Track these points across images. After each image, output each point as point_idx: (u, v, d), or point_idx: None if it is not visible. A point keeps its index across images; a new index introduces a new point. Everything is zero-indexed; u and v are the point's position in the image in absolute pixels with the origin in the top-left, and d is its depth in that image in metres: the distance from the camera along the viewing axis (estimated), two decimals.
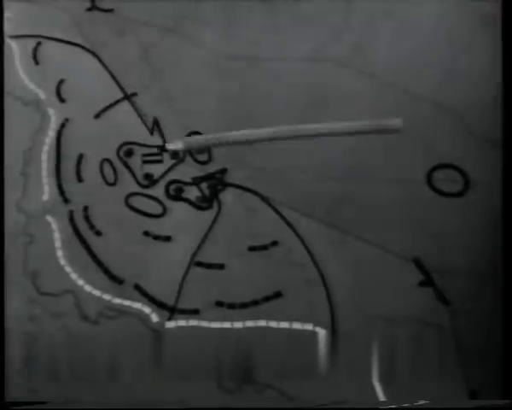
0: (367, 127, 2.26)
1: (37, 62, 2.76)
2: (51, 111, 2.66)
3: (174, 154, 2.61)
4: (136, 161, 2.60)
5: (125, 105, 2.70)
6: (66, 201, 2.50)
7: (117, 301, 2.31)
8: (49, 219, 2.46)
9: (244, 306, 2.30)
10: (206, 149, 2.52)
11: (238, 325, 2.27)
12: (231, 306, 2.30)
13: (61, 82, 2.72)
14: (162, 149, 2.50)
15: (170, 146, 2.37)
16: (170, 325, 2.29)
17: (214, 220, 2.45)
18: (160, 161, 2.60)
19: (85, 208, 2.47)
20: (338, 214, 2.44)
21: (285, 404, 2.20)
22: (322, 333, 2.26)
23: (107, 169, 2.56)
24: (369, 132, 2.28)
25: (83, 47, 2.77)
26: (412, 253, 2.36)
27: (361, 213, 2.45)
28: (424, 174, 2.49)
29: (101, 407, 2.18)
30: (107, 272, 2.36)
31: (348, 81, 2.66)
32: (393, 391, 2.19)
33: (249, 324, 2.27)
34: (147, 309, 2.30)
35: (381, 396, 2.19)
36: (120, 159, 2.59)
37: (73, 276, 2.35)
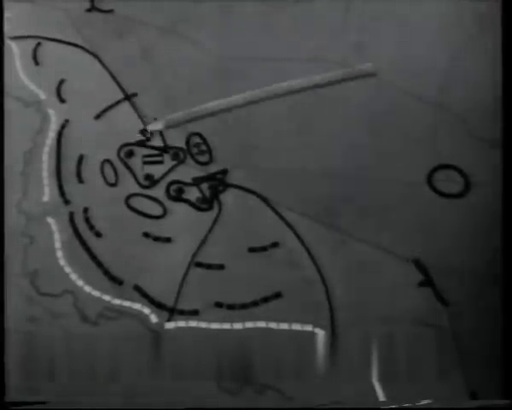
0: (341, 76, 2.29)
1: (37, 63, 2.76)
2: (51, 112, 2.66)
3: (175, 154, 2.61)
4: (136, 162, 2.60)
5: (126, 106, 2.70)
6: (66, 202, 2.50)
7: (116, 301, 2.31)
8: (50, 220, 2.46)
9: (244, 307, 2.30)
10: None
11: (238, 325, 2.27)
12: (231, 307, 2.30)
13: (61, 83, 2.72)
14: (143, 133, 2.50)
15: (151, 127, 2.38)
16: (169, 325, 2.29)
17: (214, 221, 2.45)
18: (161, 162, 2.60)
19: (86, 209, 2.47)
20: (338, 215, 2.44)
21: (285, 404, 2.20)
22: (321, 334, 2.26)
23: (108, 170, 2.56)
24: (345, 80, 2.29)
25: (82, 48, 2.77)
26: (412, 253, 2.36)
27: (361, 213, 2.45)
28: (425, 175, 2.49)
29: (101, 407, 2.18)
30: (107, 272, 2.36)
31: (348, 81, 2.65)
32: (393, 392, 2.19)
33: (249, 325, 2.28)
34: (146, 310, 2.30)
35: (381, 396, 2.19)
36: (121, 160, 2.59)
37: (73, 276, 2.35)
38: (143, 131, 2.54)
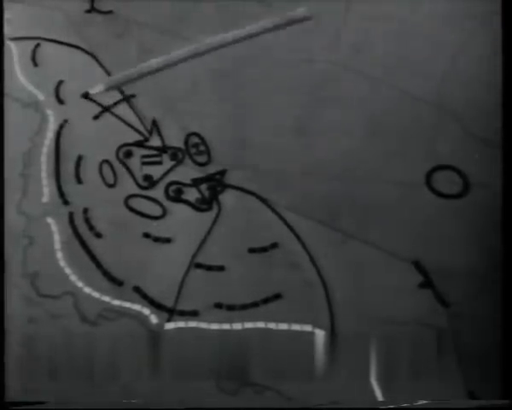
0: (276, 23, 2.27)
1: (36, 64, 2.76)
2: (50, 112, 2.66)
3: (173, 155, 2.61)
4: (135, 163, 2.60)
5: (124, 106, 2.70)
6: (65, 202, 2.49)
7: (116, 302, 2.31)
8: (49, 220, 2.45)
9: (243, 307, 2.29)
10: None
11: (237, 326, 2.27)
12: (231, 307, 2.29)
13: (60, 83, 2.72)
14: (85, 96, 2.44)
15: (92, 90, 2.33)
16: (169, 326, 2.28)
17: (214, 222, 2.45)
18: (160, 163, 2.60)
19: (85, 210, 2.47)
20: (338, 216, 2.44)
21: (284, 405, 2.20)
22: (321, 334, 2.26)
23: (107, 170, 2.56)
24: (280, 27, 2.28)
25: (82, 48, 2.77)
26: (412, 255, 2.35)
27: (361, 214, 2.44)
28: (424, 176, 2.49)
29: (101, 407, 2.18)
30: (106, 273, 2.35)
31: (348, 82, 2.65)
32: (392, 392, 2.19)
33: (248, 325, 2.27)
34: (146, 311, 2.30)
35: (380, 397, 2.19)
36: (120, 160, 2.59)
37: (73, 278, 2.35)
38: (85, 95, 2.51)
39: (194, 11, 2.79)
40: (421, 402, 2.16)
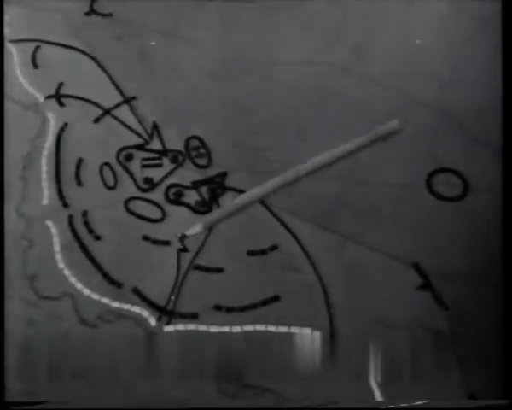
0: (369, 139, 2.30)
1: (36, 66, 2.77)
2: (50, 115, 2.67)
3: (174, 157, 2.61)
4: (135, 165, 2.60)
5: (125, 109, 2.70)
6: (65, 205, 2.49)
7: (115, 304, 2.30)
8: (49, 223, 2.45)
9: (242, 310, 2.29)
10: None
11: (236, 328, 2.27)
12: (230, 310, 2.29)
13: (61, 86, 2.72)
14: (183, 237, 2.38)
15: (189, 232, 2.32)
16: (168, 329, 2.28)
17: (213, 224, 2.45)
18: (160, 165, 2.60)
19: (85, 213, 2.47)
20: (337, 218, 2.44)
21: (284, 405, 2.19)
22: (320, 337, 2.25)
23: (107, 173, 2.57)
24: (375, 142, 2.30)
25: (82, 51, 2.78)
26: (411, 257, 2.34)
27: (360, 217, 2.44)
28: (423, 178, 2.48)
29: (101, 407, 2.18)
30: (106, 276, 2.35)
31: (347, 85, 2.66)
32: (392, 394, 2.18)
33: (247, 328, 2.27)
34: (145, 313, 2.29)
35: (379, 398, 2.18)
36: (120, 163, 2.59)
37: (72, 280, 2.34)
38: (183, 236, 2.43)
39: (195, 13, 2.80)
40: (421, 402, 2.15)
